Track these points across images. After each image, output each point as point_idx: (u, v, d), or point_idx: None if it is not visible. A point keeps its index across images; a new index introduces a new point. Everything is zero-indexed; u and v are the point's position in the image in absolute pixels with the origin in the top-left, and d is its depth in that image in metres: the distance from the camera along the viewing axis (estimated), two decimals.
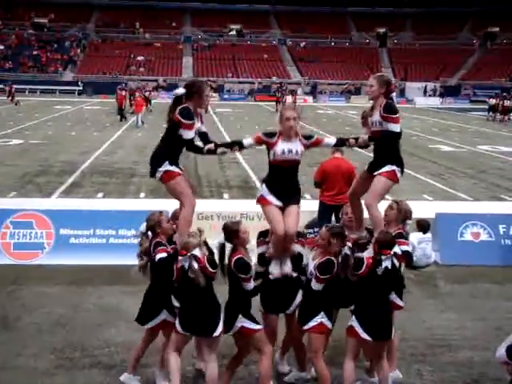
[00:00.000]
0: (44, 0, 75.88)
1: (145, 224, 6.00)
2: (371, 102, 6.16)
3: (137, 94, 42.38)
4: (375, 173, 6.04)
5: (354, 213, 6.36)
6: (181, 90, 5.93)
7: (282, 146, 5.97)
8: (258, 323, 5.85)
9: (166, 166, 5.89)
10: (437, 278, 9.70)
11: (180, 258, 5.64)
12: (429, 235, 10.21)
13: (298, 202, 6.13)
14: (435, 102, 62.49)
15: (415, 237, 10.10)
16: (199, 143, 6.14)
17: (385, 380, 5.83)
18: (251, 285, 5.77)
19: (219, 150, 6.03)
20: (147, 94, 42.23)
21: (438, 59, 72.63)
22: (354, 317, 5.78)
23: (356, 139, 6.15)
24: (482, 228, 10.62)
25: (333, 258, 5.76)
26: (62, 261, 9.74)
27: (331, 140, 6.28)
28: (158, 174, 5.93)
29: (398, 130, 5.96)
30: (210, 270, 5.62)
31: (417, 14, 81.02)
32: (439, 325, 7.78)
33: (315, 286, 5.82)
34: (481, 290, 9.19)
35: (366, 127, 6.26)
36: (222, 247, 5.86)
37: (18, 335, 7.19)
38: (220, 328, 5.63)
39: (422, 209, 12.97)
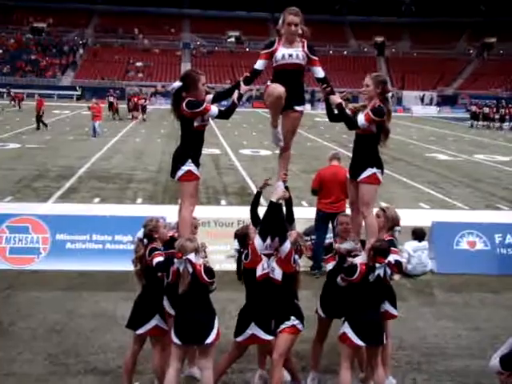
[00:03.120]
0: (43, 4, 76.11)
1: (142, 230, 5.96)
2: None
3: (136, 99, 41.63)
4: (358, 179, 5.98)
5: (354, 219, 6.26)
6: (177, 84, 5.88)
7: (282, 51, 5.94)
8: (270, 334, 5.75)
9: (189, 165, 5.83)
10: (433, 286, 9.70)
11: (176, 260, 5.57)
12: (424, 243, 10.26)
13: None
14: (432, 110, 62.75)
15: (411, 245, 10.16)
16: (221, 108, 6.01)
17: None
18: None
19: (243, 89, 6.07)
20: (142, 101, 40.76)
21: (436, 69, 72.92)
22: (346, 323, 5.76)
23: (331, 93, 6.18)
24: (477, 237, 10.63)
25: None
26: (58, 266, 9.70)
27: (320, 73, 6.29)
28: (180, 172, 5.83)
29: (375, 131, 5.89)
30: (205, 278, 5.54)
31: (414, 24, 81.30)
32: (435, 333, 7.78)
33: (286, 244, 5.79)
34: (476, 298, 9.19)
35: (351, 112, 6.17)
36: (239, 252, 5.90)
37: (12, 341, 7.14)
38: (213, 335, 5.53)
39: (418, 217, 13.03)
